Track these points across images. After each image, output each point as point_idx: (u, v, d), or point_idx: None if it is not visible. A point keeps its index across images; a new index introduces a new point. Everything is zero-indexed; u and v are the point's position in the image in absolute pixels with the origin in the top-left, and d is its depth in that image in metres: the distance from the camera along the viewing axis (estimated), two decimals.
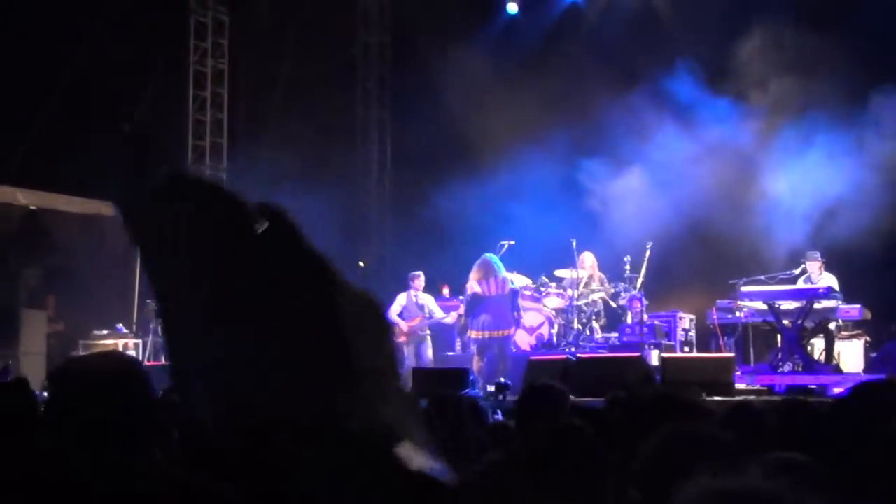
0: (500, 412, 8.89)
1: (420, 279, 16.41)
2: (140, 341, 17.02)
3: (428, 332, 16.21)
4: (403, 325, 16.02)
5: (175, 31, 19.55)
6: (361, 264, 20.86)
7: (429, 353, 16.04)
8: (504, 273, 15.00)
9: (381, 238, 22.25)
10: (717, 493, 1.96)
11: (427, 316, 16.15)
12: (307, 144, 19.32)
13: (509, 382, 12.35)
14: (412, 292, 16.34)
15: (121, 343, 16.50)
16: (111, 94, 17.35)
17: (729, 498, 1.96)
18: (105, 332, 16.46)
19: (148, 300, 16.64)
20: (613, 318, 16.52)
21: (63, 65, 17.13)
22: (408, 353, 15.65)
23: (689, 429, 3.29)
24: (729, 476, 2.03)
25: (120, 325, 16.86)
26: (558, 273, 16.69)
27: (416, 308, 16.20)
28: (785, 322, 14.11)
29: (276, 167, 18.41)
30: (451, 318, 16.37)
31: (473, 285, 14.86)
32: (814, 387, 12.58)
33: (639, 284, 15.95)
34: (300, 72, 19.72)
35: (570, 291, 16.21)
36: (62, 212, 17.98)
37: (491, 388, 12.79)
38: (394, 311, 16.07)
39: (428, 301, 16.36)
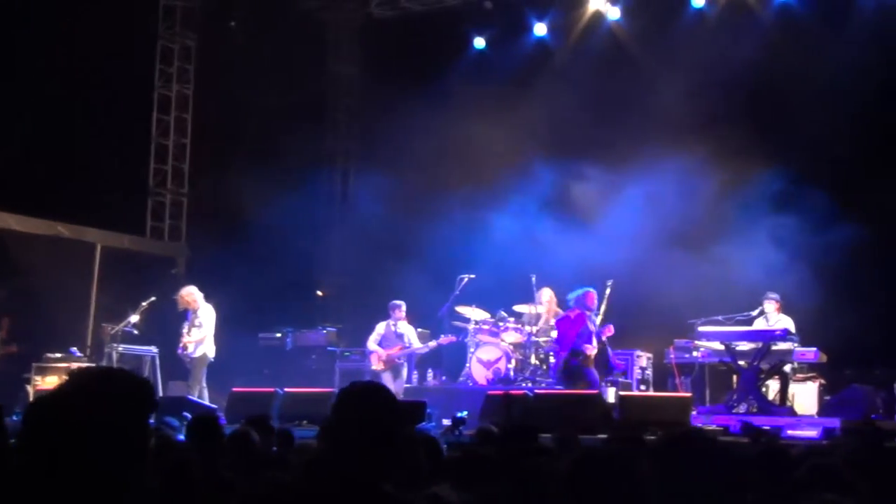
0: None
1: (401, 309, 16.39)
2: (94, 365, 16.82)
3: (404, 360, 16.22)
4: (382, 353, 16.06)
5: (142, 56, 19.49)
6: (319, 294, 20.80)
7: (397, 382, 15.90)
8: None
9: (341, 267, 22.15)
10: None
11: (406, 345, 16.14)
12: (271, 171, 19.25)
13: (464, 416, 12.25)
14: (391, 322, 16.33)
15: (74, 367, 16.28)
16: (74, 116, 17.21)
17: None
18: (59, 354, 16.25)
19: (103, 323, 16.46)
20: None
21: (30, 84, 17.01)
22: (385, 380, 15.66)
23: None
24: None
25: (74, 349, 16.65)
26: (517, 308, 16.67)
27: (394, 337, 16.22)
28: (741, 363, 14.20)
29: (238, 194, 18.35)
30: (426, 348, 16.42)
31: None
32: (768, 428, 12.58)
33: (598, 322, 15.94)
34: (267, 100, 19.67)
35: (528, 327, 16.20)
36: (19, 232, 17.77)
37: (447, 422, 12.69)
38: (372, 340, 16.19)
39: (408, 331, 16.35)
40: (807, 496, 3.52)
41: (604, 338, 14.84)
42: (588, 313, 14.62)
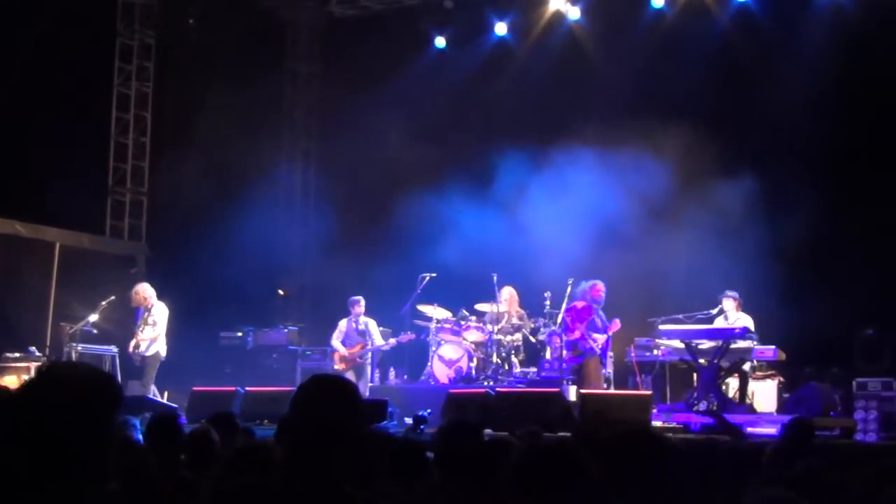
0: None
1: (359, 305, 16.41)
2: (61, 360, 16.69)
3: (368, 359, 16.18)
4: (343, 351, 16.05)
5: (100, 54, 19.34)
6: (281, 293, 20.75)
7: (361, 382, 15.85)
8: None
9: (302, 267, 22.12)
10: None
11: (367, 343, 16.12)
12: (231, 170, 19.20)
13: (426, 414, 12.28)
14: (352, 318, 16.34)
15: (33, 366, 16.16)
16: (32, 114, 17.08)
17: None
18: (17, 354, 16.11)
19: (62, 323, 16.34)
20: (533, 353, 16.52)
21: None
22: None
23: None
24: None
25: (32, 348, 16.51)
26: (479, 307, 16.71)
27: (356, 335, 16.25)
28: (701, 361, 14.29)
29: (198, 193, 18.26)
30: (388, 346, 16.42)
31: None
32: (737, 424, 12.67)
33: (559, 320, 15.99)
34: (227, 98, 19.58)
35: (489, 325, 16.23)
36: None
37: (409, 421, 12.71)
38: (335, 337, 16.17)
39: (370, 327, 16.35)
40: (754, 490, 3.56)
41: (610, 332, 14.94)
42: (595, 306, 14.83)
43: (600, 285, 14.88)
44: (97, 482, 2.73)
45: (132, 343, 15.12)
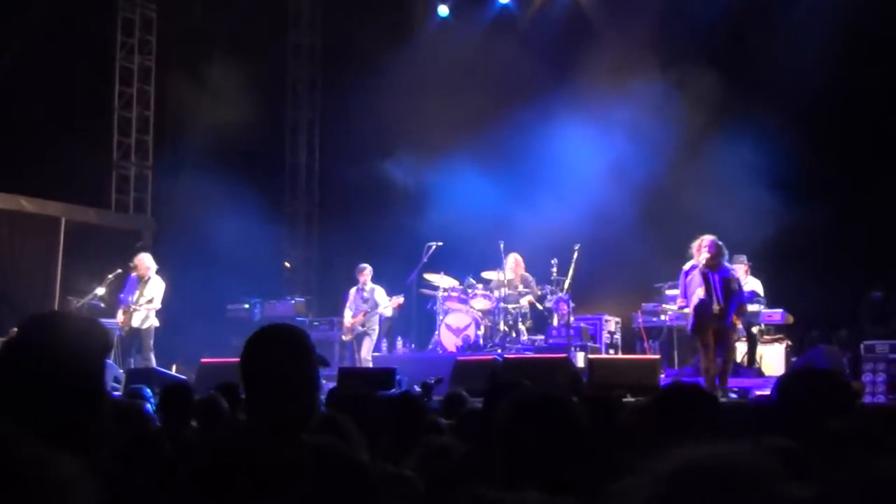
0: None
1: (364, 272, 16.36)
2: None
3: (374, 327, 16.14)
4: (347, 321, 16.09)
5: (102, 27, 19.30)
6: (287, 265, 20.78)
7: (363, 351, 15.87)
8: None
9: (307, 240, 22.18)
10: (696, 467, 1.81)
11: (370, 311, 16.10)
12: (235, 144, 19.16)
13: (432, 383, 12.25)
14: (359, 286, 16.36)
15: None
16: (36, 90, 17.07)
17: (709, 472, 1.79)
18: None
19: (69, 297, 16.38)
20: (540, 321, 16.54)
21: None
22: (353, 348, 15.85)
23: None
24: (706, 447, 1.85)
25: None
26: (485, 275, 16.72)
27: (360, 302, 16.19)
28: None
29: (202, 166, 18.25)
30: (389, 310, 16.38)
31: None
32: (736, 389, 12.70)
33: (566, 287, 16.01)
34: (229, 71, 19.54)
35: (496, 292, 16.23)
36: None
37: (417, 389, 12.71)
38: (346, 307, 16.15)
39: (376, 294, 16.27)
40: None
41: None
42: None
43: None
44: (93, 431, 2.74)
45: (120, 316, 15.07)
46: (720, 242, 12.49)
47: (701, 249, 12.39)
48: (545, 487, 3.01)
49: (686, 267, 12.65)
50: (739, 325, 13.22)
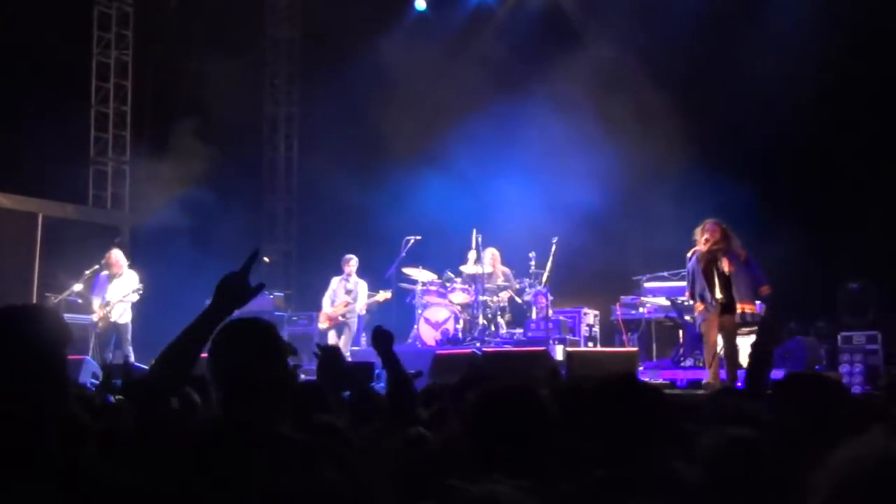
0: None
1: (350, 263, 16.46)
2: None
3: (354, 319, 16.20)
4: (328, 310, 16.13)
5: (78, 22, 19.27)
6: (266, 260, 20.77)
7: (342, 344, 15.81)
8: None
9: (286, 234, 22.24)
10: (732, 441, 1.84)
11: (352, 302, 16.14)
12: (213, 139, 19.16)
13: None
14: (343, 277, 16.44)
15: None
16: (12, 85, 17.03)
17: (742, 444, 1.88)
18: None
19: (46, 293, 16.35)
20: (519, 314, 16.64)
21: None
22: (330, 338, 15.87)
23: None
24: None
25: None
26: (463, 269, 16.75)
27: (344, 293, 16.25)
28: (687, 318, 14.35)
29: (181, 162, 18.25)
30: (364, 311, 16.48)
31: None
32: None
33: (544, 280, 16.08)
34: (207, 66, 19.53)
35: (481, 271, 16.31)
36: None
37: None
38: (326, 296, 16.25)
39: (359, 288, 16.38)
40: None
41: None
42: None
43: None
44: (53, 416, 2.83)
45: (98, 312, 15.16)
46: (724, 225, 12.55)
47: (703, 234, 12.47)
48: (511, 474, 3.00)
49: (689, 254, 12.73)
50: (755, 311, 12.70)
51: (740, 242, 12.60)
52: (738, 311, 12.41)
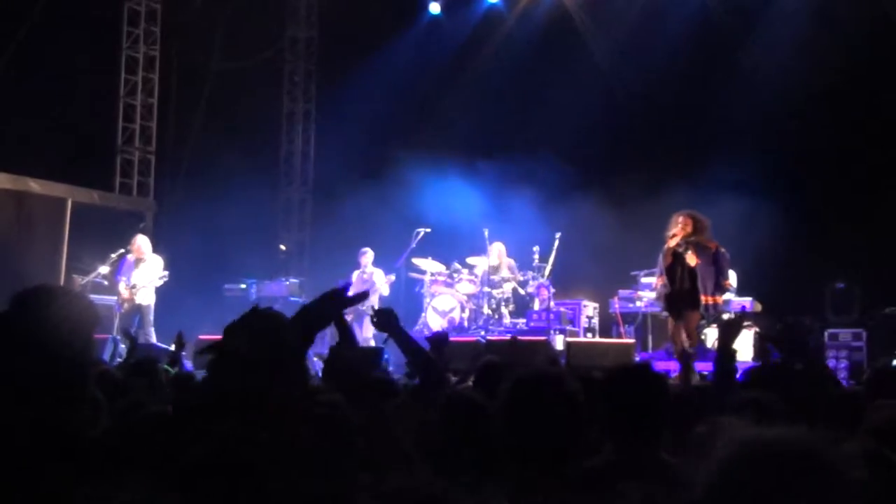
0: None
1: (366, 255, 17.07)
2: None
3: (373, 307, 16.63)
4: None
5: (109, 18, 19.86)
6: (282, 247, 21.36)
7: (364, 331, 16.14)
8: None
9: (301, 223, 22.90)
10: (756, 445, 1.90)
11: (372, 290, 16.60)
12: (234, 132, 19.71)
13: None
14: (361, 269, 17.04)
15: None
16: (45, 76, 17.61)
17: (769, 449, 1.88)
18: None
19: (73, 275, 16.94)
20: (522, 305, 16.97)
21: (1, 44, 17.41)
22: (354, 329, 16.19)
23: None
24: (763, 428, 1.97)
25: None
26: (470, 260, 17.27)
27: (361, 284, 16.60)
28: None
29: (203, 153, 18.79)
30: (386, 288, 17.02)
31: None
32: (706, 372, 13.31)
33: (547, 273, 16.59)
34: (229, 63, 20.14)
35: (489, 269, 16.75)
36: None
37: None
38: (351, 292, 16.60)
39: (375, 277, 16.91)
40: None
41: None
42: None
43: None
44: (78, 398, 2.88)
45: (124, 293, 15.68)
46: (696, 216, 13.02)
47: (675, 226, 12.98)
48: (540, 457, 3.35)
49: (664, 247, 13.19)
50: (719, 302, 13.40)
51: (712, 235, 13.11)
52: (702, 302, 12.97)
